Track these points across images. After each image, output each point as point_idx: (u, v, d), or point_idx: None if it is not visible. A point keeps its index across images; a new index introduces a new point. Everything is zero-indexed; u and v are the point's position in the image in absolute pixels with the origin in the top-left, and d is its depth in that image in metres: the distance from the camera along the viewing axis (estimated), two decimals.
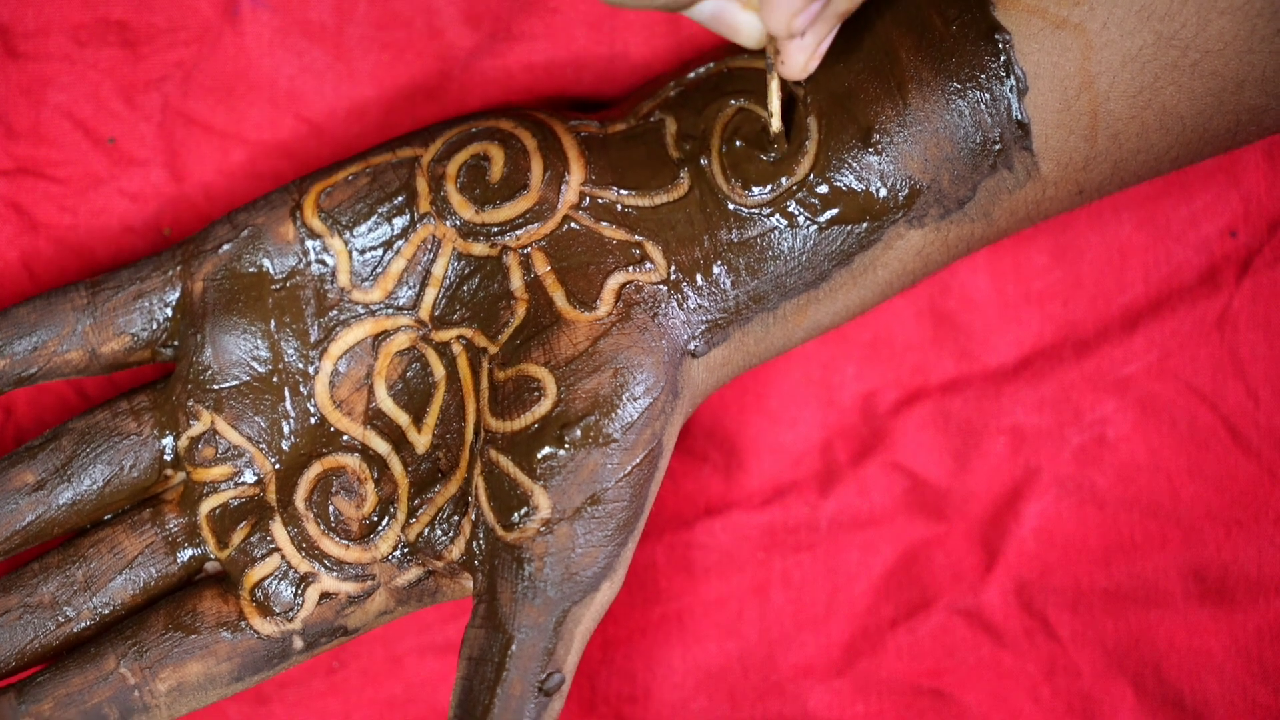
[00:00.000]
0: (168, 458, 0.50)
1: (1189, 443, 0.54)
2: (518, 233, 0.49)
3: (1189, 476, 0.54)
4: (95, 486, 0.50)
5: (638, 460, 0.48)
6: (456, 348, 0.50)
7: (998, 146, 0.47)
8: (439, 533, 0.49)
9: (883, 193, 0.48)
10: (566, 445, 0.47)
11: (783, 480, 0.55)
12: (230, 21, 0.53)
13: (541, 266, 0.49)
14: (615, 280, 0.48)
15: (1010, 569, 0.54)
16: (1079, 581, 0.54)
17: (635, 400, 0.48)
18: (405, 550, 0.49)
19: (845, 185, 0.48)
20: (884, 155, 0.48)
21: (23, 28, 0.52)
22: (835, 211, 0.48)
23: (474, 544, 0.49)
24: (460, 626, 0.54)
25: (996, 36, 0.47)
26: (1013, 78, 0.47)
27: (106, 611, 0.50)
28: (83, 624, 0.50)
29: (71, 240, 0.53)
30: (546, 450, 0.47)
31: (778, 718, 0.54)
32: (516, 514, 0.48)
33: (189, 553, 0.50)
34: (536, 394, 0.48)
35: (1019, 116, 0.47)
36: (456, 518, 0.49)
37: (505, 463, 0.48)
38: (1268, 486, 0.54)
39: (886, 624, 0.54)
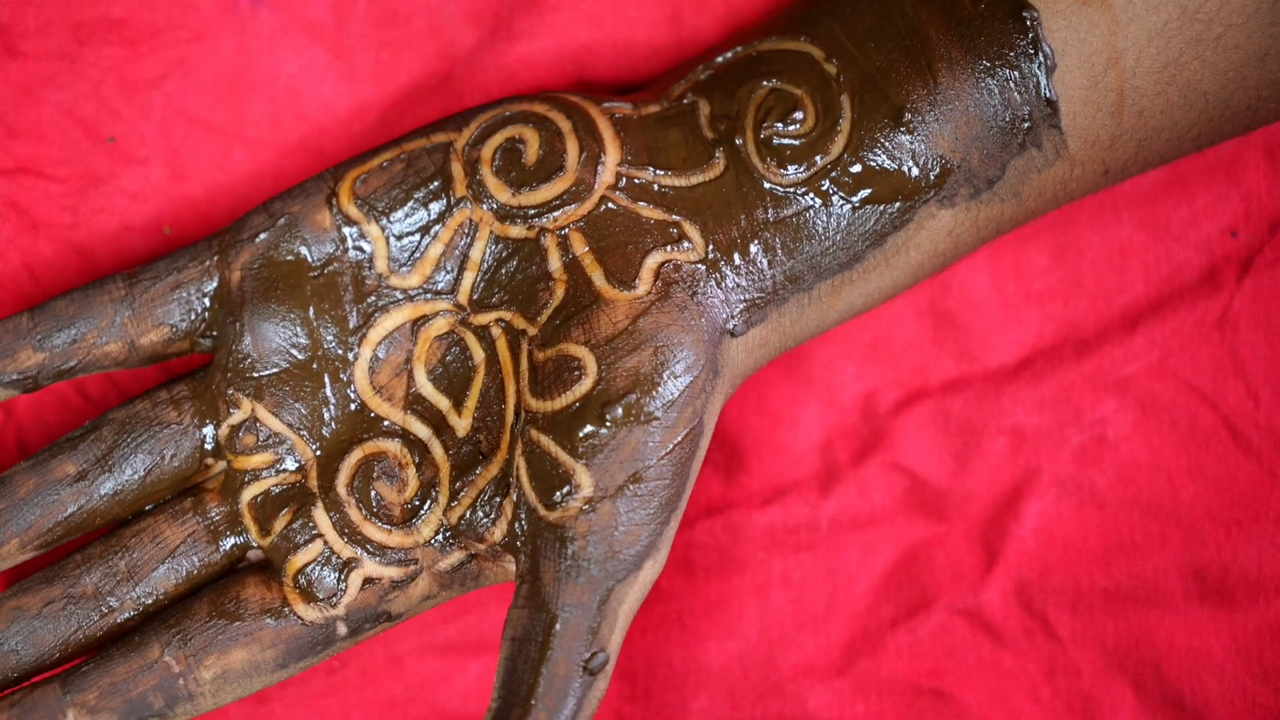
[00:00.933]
0: (208, 447, 0.50)
1: (1189, 443, 0.54)
2: (555, 214, 0.49)
3: (1189, 476, 0.54)
4: (136, 476, 0.50)
5: (679, 438, 0.48)
6: (495, 330, 0.50)
7: (1027, 124, 0.48)
8: (480, 515, 0.49)
9: (914, 172, 0.48)
10: (608, 423, 0.47)
11: (783, 480, 0.55)
12: (230, 20, 0.53)
13: (580, 247, 0.49)
14: (654, 259, 0.48)
15: (1010, 569, 0.54)
16: (1079, 581, 0.54)
17: (676, 378, 0.48)
18: (447, 534, 0.49)
19: (878, 164, 0.48)
20: (916, 134, 0.48)
21: (22, 26, 0.52)
22: (869, 191, 0.48)
23: (516, 525, 0.49)
24: (462, 627, 0.54)
25: (1024, 14, 0.47)
26: (1041, 55, 0.47)
27: (149, 601, 0.50)
28: (126, 614, 0.50)
29: (72, 240, 0.53)
30: (588, 429, 0.47)
31: (778, 718, 0.54)
32: (559, 493, 0.47)
33: (231, 541, 0.50)
34: (577, 373, 0.48)
35: (1047, 94, 0.48)
36: (498, 499, 0.49)
37: (546, 442, 0.48)
38: (1268, 486, 0.54)
39: (886, 624, 0.54)
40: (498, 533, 0.49)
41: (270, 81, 0.53)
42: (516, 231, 0.49)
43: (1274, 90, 0.49)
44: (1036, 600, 0.54)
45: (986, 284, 0.54)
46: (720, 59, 0.50)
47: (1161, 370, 0.54)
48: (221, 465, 0.50)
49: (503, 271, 0.50)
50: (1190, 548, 0.54)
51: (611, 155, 0.49)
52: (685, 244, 0.49)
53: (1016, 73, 0.47)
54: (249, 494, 0.50)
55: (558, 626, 0.47)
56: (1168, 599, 0.54)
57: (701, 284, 0.48)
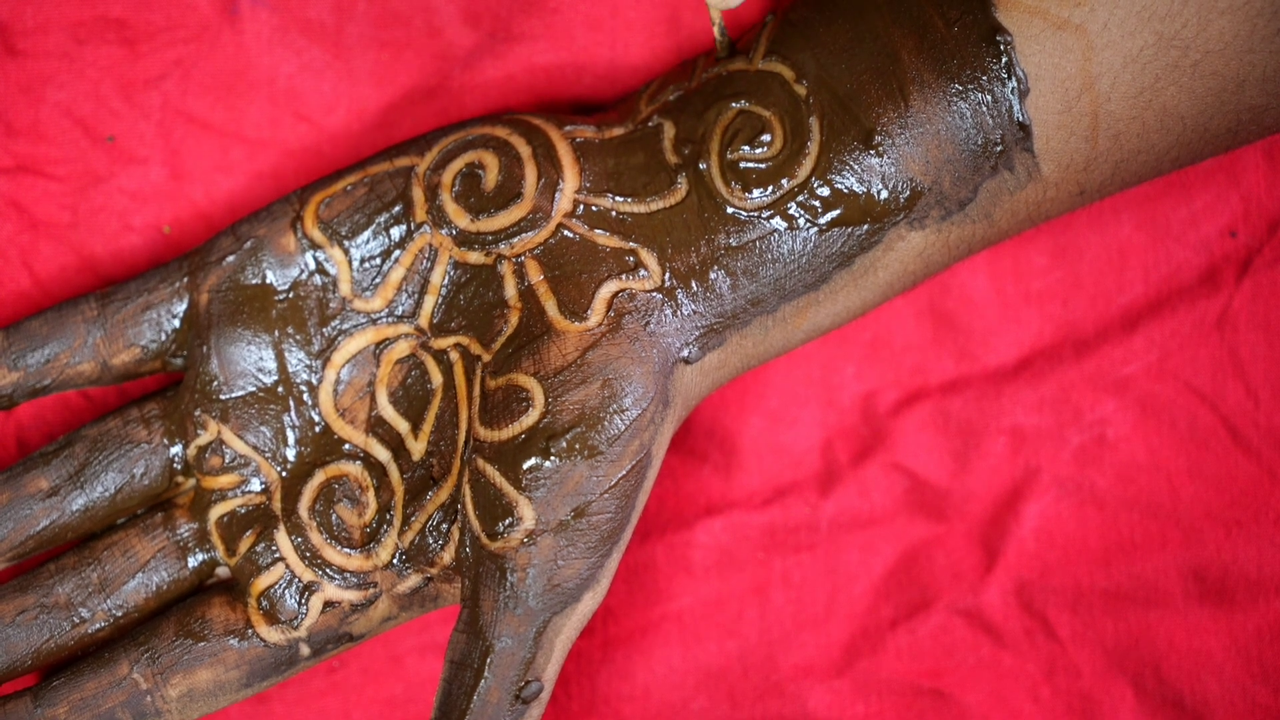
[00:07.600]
0: (178, 465, 0.51)
1: (1189, 443, 0.54)
2: (512, 241, 0.49)
3: (1189, 476, 0.54)
4: (107, 493, 0.50)
5: (624, 472, 0.48)
6: (454, 355, 0.50)
7: (999, 148, 0.47)
8: (430, 540, 0.49)
9: (884, 195, 0.48)
10: (552, 457, 0.47)
11: (783, 480, 0.54)
12: (229, 20, 0.53)
13: (535, 275, 0.49)
14: (607, 289, 0.48)
15: (1010, 569, 0.54)
16: (1079, 581, 0.54)
17: (623, 412, 0.48)
18: (403, 557, 0.49)
19: (846, 187, 0.48)
20: (885, 157, 0.48)
21: (22, 25, 0.52)
22: (836, 213, 0.48)
23: (462, 550, 0.49)
24: None
25: (998, 38, 0.47)
26: (1014, 79, 0.47)
27: (120, 614, 0.50)
28: (97, 625, 0.50)
29: (71, 238, 0.53)
30: (532, 461, 0.47)
31: (778, 718, 0.54)
32: (501, 524, 0.47)
33: (200, 557, 0.51)
34: (525, 404, 0.48)
35: (1020, 118, 0.47)
36: (446, 525, 0.49)
37: (491, 472, 0.48)
38: (1268, 486, 0.54)
39: (886, 624, 0.54)
40: (447, 557, 0.49)
41: (269, 81, 0.53)
42: (475, 257, 0.49)
43: (1253, 115, 0.48)
44: (1036, 600, 0.54)
45: (986, 284, 0.54)
46: (691, 79, 0.50)
47: (1161, 370, 0.54)
48: (192, 482, 0.51)
49: (461, 297, 0.50)
50: (1190, 548, 0.54)
51: (570, 182, 0.49)
52: (641, 272, 0.48)
53: (989, 96, 0.47)
54: (216, 513, 0.50)
55: (492, 656, 0.48)
56: (1167, 599, 0.54)
57: (656, 313, 0.48)
